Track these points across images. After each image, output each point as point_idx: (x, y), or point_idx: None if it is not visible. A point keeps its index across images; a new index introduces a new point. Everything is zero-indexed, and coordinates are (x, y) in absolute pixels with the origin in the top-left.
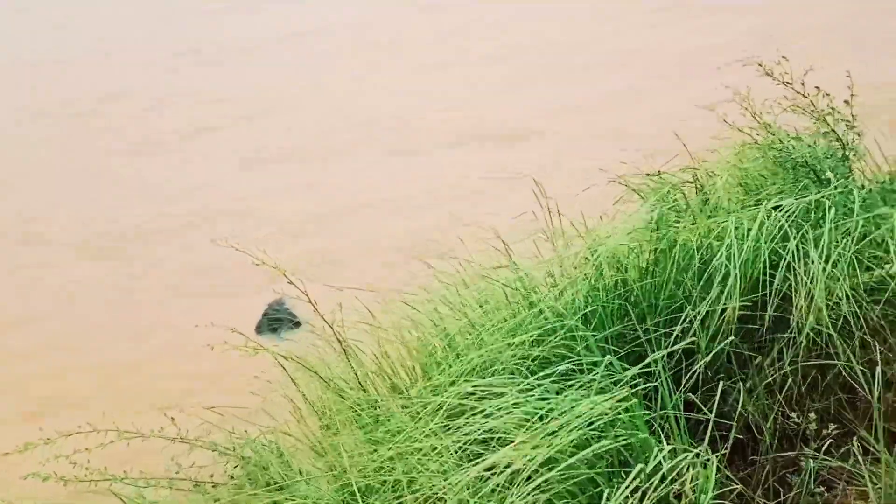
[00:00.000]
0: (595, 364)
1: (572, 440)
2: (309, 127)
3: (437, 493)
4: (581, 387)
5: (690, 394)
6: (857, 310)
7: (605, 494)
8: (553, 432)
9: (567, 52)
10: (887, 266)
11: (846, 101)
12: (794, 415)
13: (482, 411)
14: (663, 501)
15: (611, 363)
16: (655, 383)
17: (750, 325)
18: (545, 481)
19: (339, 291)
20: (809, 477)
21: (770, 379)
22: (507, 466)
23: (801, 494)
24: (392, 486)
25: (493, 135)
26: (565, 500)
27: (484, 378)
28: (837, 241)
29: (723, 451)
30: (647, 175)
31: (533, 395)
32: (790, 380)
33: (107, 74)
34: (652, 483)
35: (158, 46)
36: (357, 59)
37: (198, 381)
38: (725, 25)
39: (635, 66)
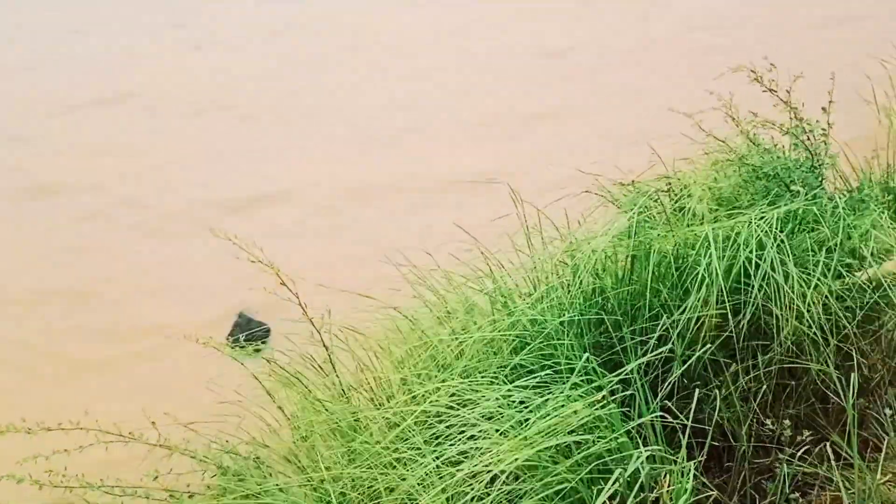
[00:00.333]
0: (572, 371)
1: (552, 445)
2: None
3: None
4: (560, 391)
5: (667, 401)
6: (830, 317)
7: (585, 500)
8: (529, 438)
9: (567, 51)
10: (858, 274)
11: (823, 109)
12: (769, 421)
13: (460, 418)
14: None
15: (591, 367)
16: (632, 391)
17: (726, 333)
18: (523, 487)
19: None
20: (784, 483)
21: (745, 386)
22: (487, 473)
23: (776, 500)
24: (369, 496)
25: (492, 135)
26: None
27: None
28: (815, 250)
29: (699, 459)
30: (622, 184)
31: (513, 400)
32: (764, 386)
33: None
34: (631, 490)
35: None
36: (354, 56)
37: (173, 391)
38: (727, 25)
39: (636, 66)
